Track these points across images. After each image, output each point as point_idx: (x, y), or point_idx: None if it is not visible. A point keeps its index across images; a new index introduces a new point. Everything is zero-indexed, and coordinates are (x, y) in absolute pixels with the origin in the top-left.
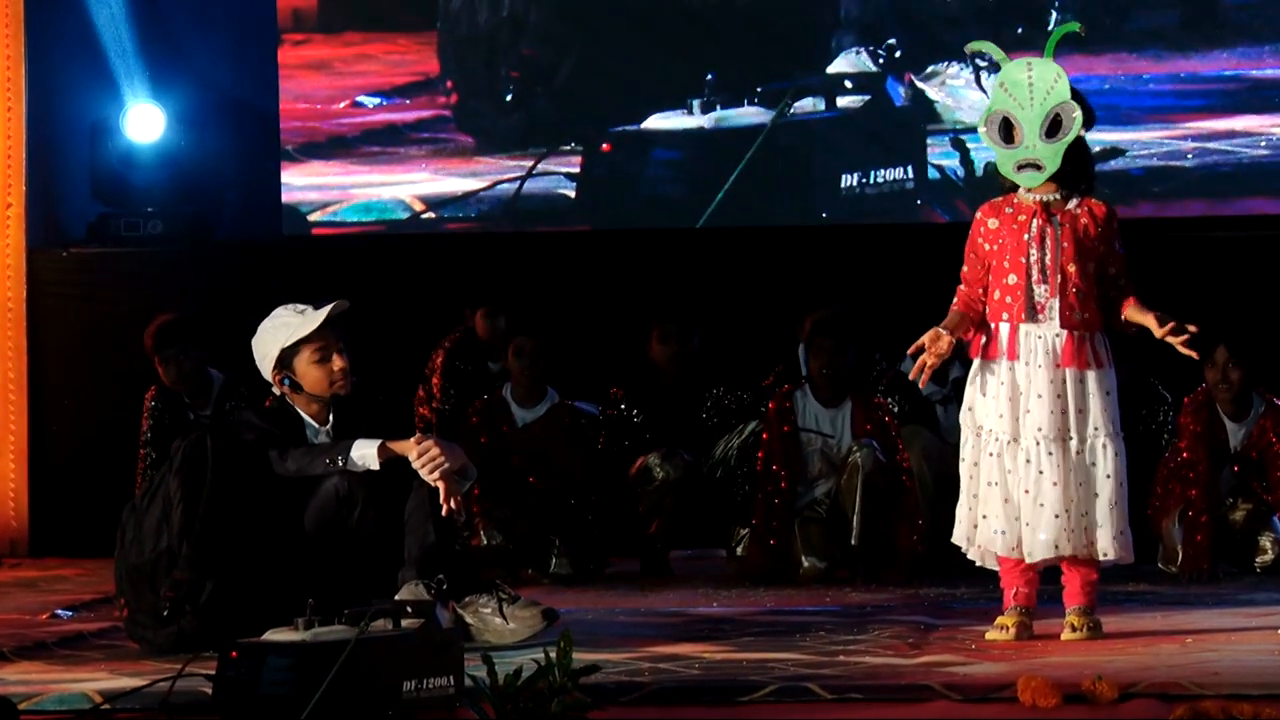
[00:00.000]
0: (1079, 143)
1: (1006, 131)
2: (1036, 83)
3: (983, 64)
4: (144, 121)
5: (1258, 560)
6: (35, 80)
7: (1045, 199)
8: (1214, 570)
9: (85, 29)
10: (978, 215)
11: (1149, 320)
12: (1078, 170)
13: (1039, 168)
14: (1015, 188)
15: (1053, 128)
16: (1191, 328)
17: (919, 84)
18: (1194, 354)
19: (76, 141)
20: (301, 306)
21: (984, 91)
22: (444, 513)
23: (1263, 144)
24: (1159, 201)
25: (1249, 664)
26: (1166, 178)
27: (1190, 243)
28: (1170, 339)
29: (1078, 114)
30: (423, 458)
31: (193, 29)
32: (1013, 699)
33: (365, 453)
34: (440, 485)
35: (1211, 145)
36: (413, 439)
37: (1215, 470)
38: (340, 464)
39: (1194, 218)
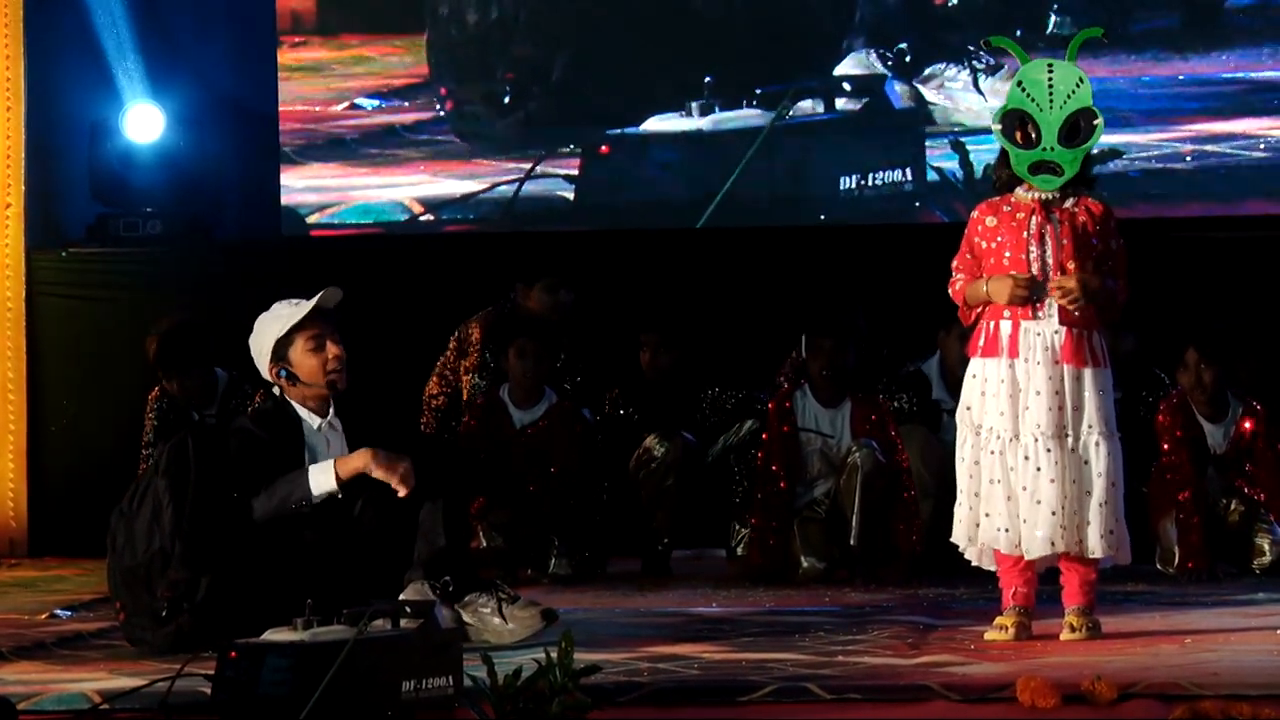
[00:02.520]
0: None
1: (1022, 131)
2: (1057, 85)
3: (980, 66)
4: (143, 122)
5: (1256, 562)
6: (34, 80)
7: (1044, 197)
8: (1212, 569)
9: (84, 29)
10: (974, 214)
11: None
12: (1082, 171)
13: (1056, 171)
14: (1010, 185)
15: (1071, 132)
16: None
17: (918, 86)
18: (1064, 301)
19: (76, 141)
20: (296, 300)
21: (981, 94)
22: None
23: (1261, 146)
24: (1157, 203)
25: (1248, 664)
26: (1165, 180)
27: (1186, 243)
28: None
29: (1099, 121)
30: (399, 485)
31: (192, 29)
32: (1012, 699)
33: (320, 480)
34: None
35: (1210, 147)
36: (363, 451)
37: (1200, 470)
38: (305, 501)
39: (1191, 218)
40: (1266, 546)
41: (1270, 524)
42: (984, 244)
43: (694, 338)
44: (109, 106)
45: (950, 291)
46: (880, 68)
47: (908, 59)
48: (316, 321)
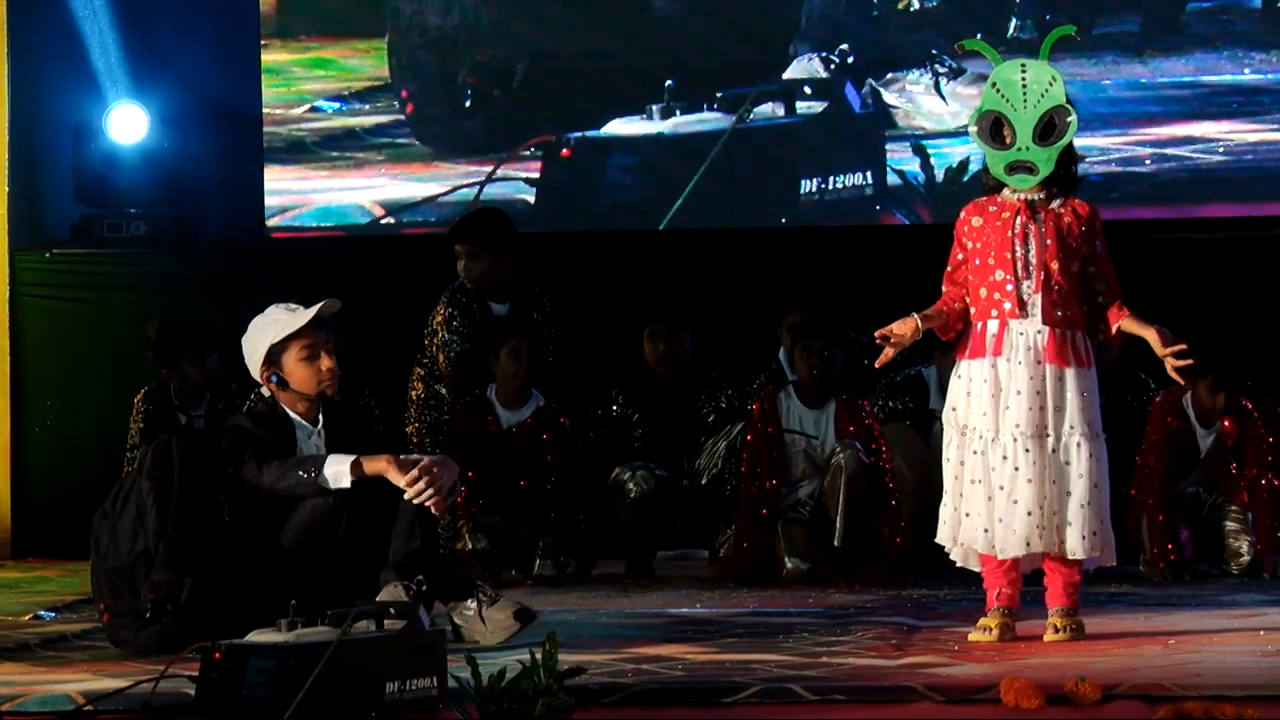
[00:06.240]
0: (1067, 144)
1: (997, 132)
2: (1030, 84)
3: (942, 70)
4: (127, 122)
5: (1235, 563)
6: (18, 81)
7: (1030, 198)
8: (1188, 568)
9: (68, 29)
10: (961, 215)
11: (1149, 334)
12: (1065, 172)
13: (1032, 170)
14: (999, 187)
15: (1046, 130)
16: (1185, 351)
17: (878, 89)
18: (1182, 380)
19: (59, 142)
20: (294, 305)
21: (943, 98)
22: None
23: (1220, 149)
24: (1117, 207)
25: (1231, 665)
26: (1125, 183)
27: (1147, 245)
28: (1169, 361)
29: (1073, 118)
30: (415, 489)
31: (175, 29)
32: (995, 700)
33: (338, 470)
34: (431, 506)
35: (1169, 151)
36: (385, 458)
37: (1181, 470)
38: (314, 476)
39: (1151, 220)
40: (1244, 548)
41: (1249, 524)
42: (970, 243)
43: (697, 327)
44: (93, 107)
45: None
46: (840, 72)
47: (868, 63)
48: (313, 331)
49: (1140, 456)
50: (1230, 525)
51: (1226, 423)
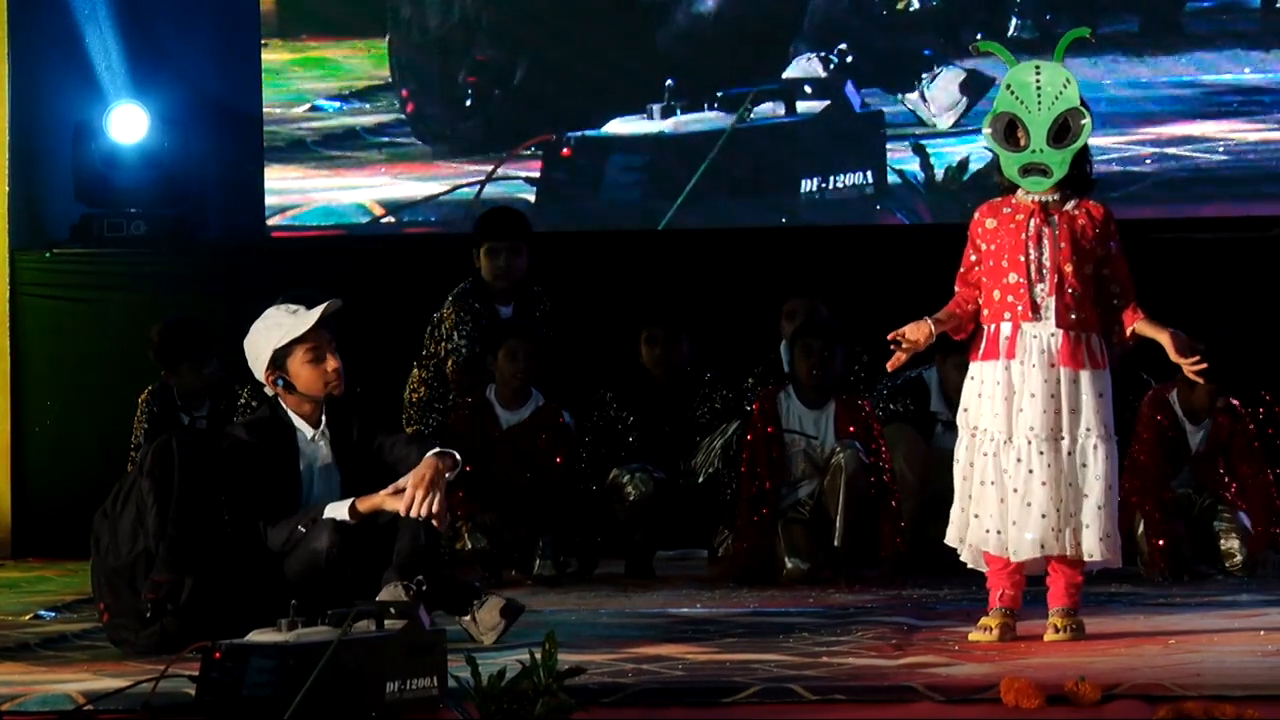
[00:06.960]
0: (1082, 146)
1: (1011, 134)
2: (1045, 86)
3: (926, 74)
4: (127, 122)
5: (1229, 564)
6: (18, 80)
7: (1044, 200)
8: (1185, 570)
9: (68, 29)
10: (975, 216)
11: (1163, 338)
12: (1079, 173)
13: (1046, 173)
14: (1013, 188)
15: (1060, 133)
16: (1201, 359)
17: (878, 89)
18: (1201, 380)
19: (59, 142)
20: (294, 306)
21: (924, 101)
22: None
23: (1220, 149)
24: (1118, 206)
25: (1231, 665)
26: (1125, 183)
27: (1148, 245)
28: (1186, 367)
29: (1087, 120)
30: (414, 509)
31: (176, 29)
32: (996, 700)
33: (336, 515)
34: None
35: (1170, 151)
36: (382, 493)
37: (1174, 470)
38: (314, 521)
39: (1151, 220)
40: (1236, 547)
41: (1241, 525)
42: (984, 245)
43: (696, 327)
44: (93, 107)
45: None
46: (840, 72)
47: (869, 63)
48: (316, 333)
49: (1131, 456)
50: (1221, 525)
51: (1220, 419)
